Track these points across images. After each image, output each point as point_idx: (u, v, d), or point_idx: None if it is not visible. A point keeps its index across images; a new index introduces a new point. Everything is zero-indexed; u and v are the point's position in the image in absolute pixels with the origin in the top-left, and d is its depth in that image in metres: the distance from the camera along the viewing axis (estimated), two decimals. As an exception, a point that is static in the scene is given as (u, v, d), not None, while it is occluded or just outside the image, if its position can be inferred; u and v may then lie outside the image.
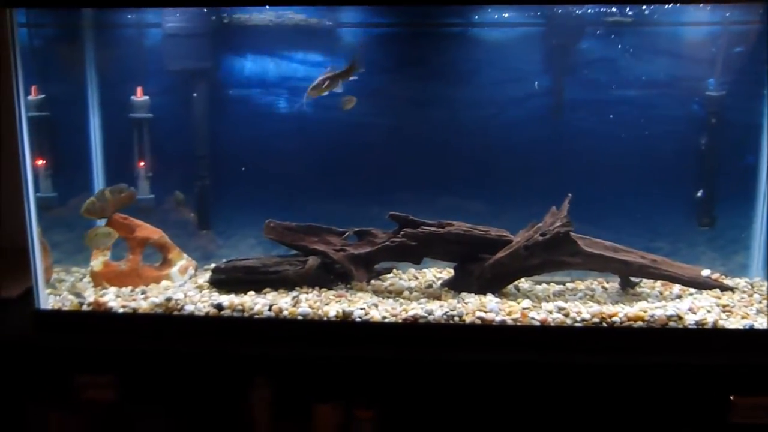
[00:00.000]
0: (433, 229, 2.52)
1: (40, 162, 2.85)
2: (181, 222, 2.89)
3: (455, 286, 2.59)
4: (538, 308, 2.37)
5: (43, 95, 2.79)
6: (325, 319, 2.35)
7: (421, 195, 2.81)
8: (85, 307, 2.50)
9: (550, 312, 2.33)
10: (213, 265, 2.72)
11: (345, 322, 2.33)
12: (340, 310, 2.36)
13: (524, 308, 2.35)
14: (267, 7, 2.59)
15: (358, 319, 2.33)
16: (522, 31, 2.78)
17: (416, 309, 2.35)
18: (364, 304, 2.41)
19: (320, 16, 2.71)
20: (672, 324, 2.26)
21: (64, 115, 2.89)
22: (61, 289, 2.68)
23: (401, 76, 2.85)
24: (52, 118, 2.81)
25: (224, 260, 2.64)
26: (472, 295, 2.48)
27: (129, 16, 2.81)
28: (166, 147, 2.89)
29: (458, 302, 2.42)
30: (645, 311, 2.30)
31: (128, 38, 2.91)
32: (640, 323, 2.27)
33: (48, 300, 2.53)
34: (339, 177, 2.87)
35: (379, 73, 2.88)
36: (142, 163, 2.89)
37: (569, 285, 2.71)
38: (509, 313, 2.32)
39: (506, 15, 2.69)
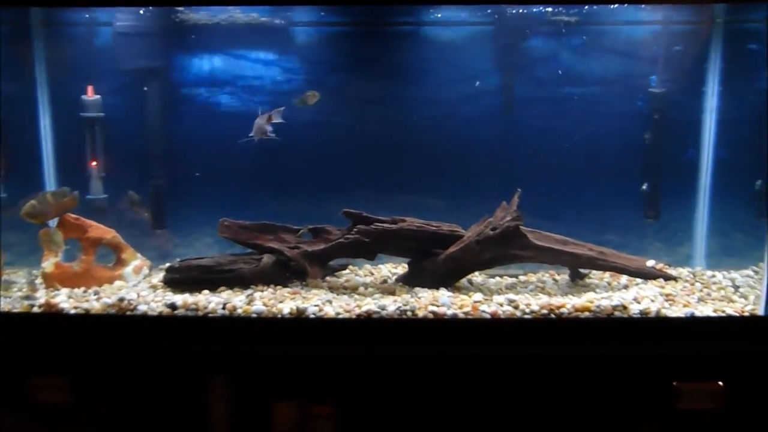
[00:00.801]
0: (386, 225, 2.56)
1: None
2: (135, 222, 2.88)
3: (410, 281, 2.63)
4: (489, 301, 2.42)
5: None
6: (279, 316, 2.36)
7: (377, 192, 2.85)
8: (36, 309, 2.47)
9: (501, 305, 2.38)
10: (168, 265, 2.72)
11: (299, 319, 2.35)
12: (294, 308, 2.37)
13: (475, 301, 2.40)
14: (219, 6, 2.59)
15: (312, 316, 2.36)
16: (473, 30, 2.83)
17: (370, 304, 2.38)
18: (318, 301, 2.43)
19: (272, 15, 2.72)
20: (617, 314, 2.33)
21: (15, 114, 2.85)
22: (12, 291, 2.65)
23: (355, 75, 2.89)
24: (2, 117, 2.77)
25: (178, 259, 2.63)
26: (426, 289, 2.52)
27: (80, 15, 2.78)
28: (119, 146, 2.87)
29: (411, 297, 2.46)
30: (592, 302, 2.37)
31: (79, 36, 2.90)
32: (587, 314, 2.34)
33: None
34: (294, 175, 2.89)
35: (334, 72, 2.91)
36: (94, 163, 2.86)
37: (521, 278, 2.78)
38: (461, 307, 2.37)
39: (461, 15, 2.73)
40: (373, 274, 2.84)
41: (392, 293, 2.55)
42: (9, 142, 2.85)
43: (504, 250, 2.52)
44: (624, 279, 2.67)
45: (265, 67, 2.84)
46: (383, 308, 2.36)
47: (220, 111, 2.90)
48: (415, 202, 2.84)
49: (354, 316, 2.35)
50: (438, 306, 2.37)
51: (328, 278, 2.70)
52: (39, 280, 2.73)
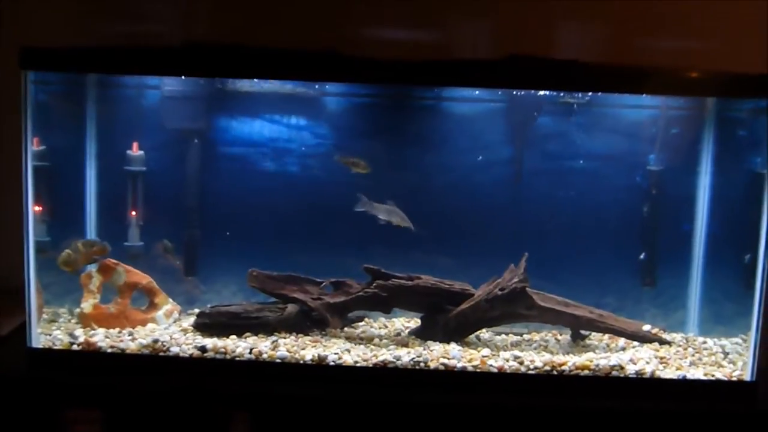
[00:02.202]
0: (402, 281, 2.78)
1: (37, 208, 3.04)
2: (167, 268, 3.09)
3: (422, 334, 2.83)
4: (496, 356, 2.61)
5: (44, 147, 3.00)
6: (302, 362, 2.55)
7: (394, 250, 3.05)
8: (75, 347, 2.66)
9: (507, 360, 2.57)
10: (197, 310, 2.91)
11: (320, 365, 2.54)
12: (316, 355, 2.57)
13: (483, 356, 2.58)
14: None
15: (332, 363, 2.55)
16: (488, 106, 3.10)
17: (386, 355, 2.58)
18: (337, 350, 2.62)
19: (304, 86, 3.00)
20: (615, 373, 2.52)
21: (63, 165, 3.09)
22: (51, 328, 2.83)
23: (378, 142, 3.14)
24: (51, 167, 3.01)
25: (209, 305, 2.84)
26: (437, 343, 2.72)
27: (131, 79, 3.06)
28: (158, 198, 3.11)
29: (424, 349, 2.65)
30: (591, 361, 2.55)
31: (128, 97, 3.16)
32: (586, 372, 2.52)
33: (39, 339, 2.68)
34: (319, 231, 3.12)
35: (359, 138, 3.18)
36: (134, 213, 3.10)
37: (526, 336, 2.97)
38: (470, 360, 2.56)
39: (476, 93, 3.01)
40: (386, 326, 3.04)
41: (405, 345, 2.74)
42: (56, 190, 3.07)
43: (511, 309, 2.72)
44: (622, 341, 2.85)
45: (297, 132, 3.10)
46: (398, 358, 2.55)
47: (252, 169, 3.15)
48: (429, 260, 3.04)
49: (371, 365, 2.54)
50: (449, 359, 2.56)
51: (345, 329, 2.89)
52: (76, 320, 2.92)
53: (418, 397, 2.42)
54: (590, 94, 2.86)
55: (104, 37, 3.08)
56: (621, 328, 2.80)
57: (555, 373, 2.52)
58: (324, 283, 2.90)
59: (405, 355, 2.57)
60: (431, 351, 2.63)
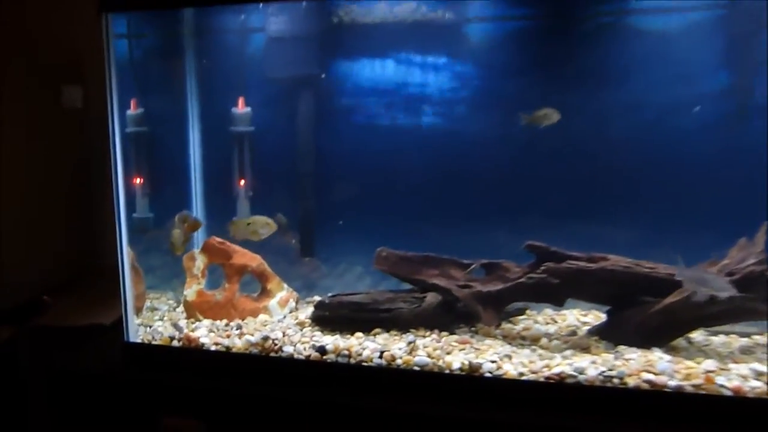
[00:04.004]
0: (582, 264, 2.04)
1: (137, 181, 2.65)
2: (282, 248, 2.57)
3: (607, 335, 2.09)
4: (725, 371, 1.82)
5: (142, 109, 2.59)
6: (448, 372, 1.92)
7: (560, 221, 2.32)
8: (175, 342, 2.22)
9: (745, 378, 1.77)
10: (316, 298, 2.38)
11: (472, 377, 1.90)
12: (466, 362, 1.92)
13: (708, 371, 1.80)
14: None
15: (488, 374, 1.89)
16: (691, 18, 2.25)
17: (563, 365, 1.87)
18: (494, 355, 1.97)
19: (443, 9, 2.32)
20: None
21: (163, 131, 2.68)
22: (153, 319, 2.43)
23: (534, 79, 2.40)
24: (149, 134, 2.60)
25: (329, 294, 2.27)
26: (633, 349, 1.96)
27: (230, 21, 2.54)
28: (267, 164, 2.59)
29: (616, 358, 1.91)
30: None
31: (229, 45, 2.65)
32: None
33: (138, 331, 2.28)
34: (463, 198, 2.45)
35: (509, 77, 2.45)
36: (242, 182, 2.60)
37: (756, 337, 2.12)
38: (687, 377, 1.79)
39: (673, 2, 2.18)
40: (556, 321, 2.32)
41: (586, 350, 2.02)
42: (157, 160, 2.66)
43: (743, 304, 1.90)
44: None
45: (434, 73, 2.43)
46: (580, 371, 1.84)
47: (380, 123, 2.53)
48: (608, 234, 2.29)
49: (542, 379, 1.85)
50: (655, 373, 1.81)
51: (502, 325, 2.22)
52: (180, 308, 2.50)
53: (611, 428, 1.71)
54: None
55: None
56: None
57: (826, 400, 1.69)
58: (472, 266, 2.22)
59: (590, 367, 1.85)
60: (627, 361, 1.88)
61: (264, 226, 2.36)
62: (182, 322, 2.36)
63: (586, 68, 2.33)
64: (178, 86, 2.62)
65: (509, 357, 1.97)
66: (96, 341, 2.41)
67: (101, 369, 2.20)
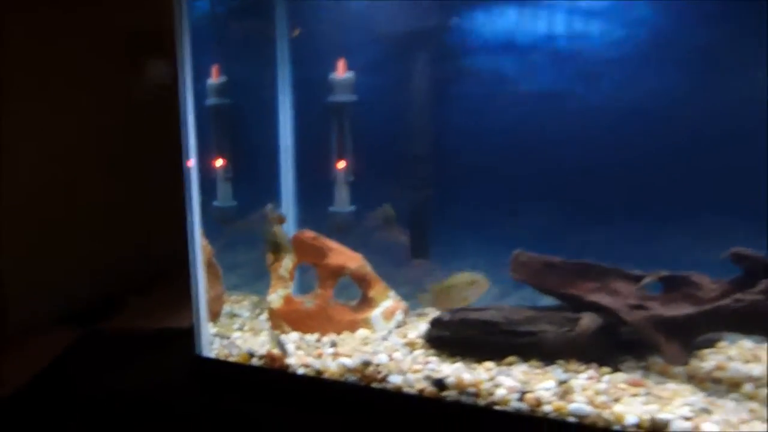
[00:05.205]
0: (823, 282, 1.41)
1: (218, 163, 2.26)
2: (389, 246, 2.07)
3: None
4: None
5: (225, 78, 2.19)
6: (619, 428, 1.36)
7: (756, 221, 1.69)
8: (255, 361, 1.79)
9: None
10: (434, 316, 1.87)
11: (658, 441, 1.33)
12: (646, 417, 1.35)
13: None
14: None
15: (680, 439, 1.32)
16: None
17: (799, 434, 1.28)
18: (685, 407, 1.39)
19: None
20: None
21: (252, 105, 2.26)
22: (231, 328, 2.01)
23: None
24: (233, 106, 2.20)
25: (449, 309, 1.76)
26: None
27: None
28: (371, 142, 2.10)
29: None
30: None
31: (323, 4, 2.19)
32: None
33: (213, 343, 1.87)
34: (624, 189, 1.85)
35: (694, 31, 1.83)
36: (341, 164, 2.13)
37: None
38: None
39: None
40: (759, 358, 1.69)
41: (822, 406, 1.40)
42: (241, 138, 2.26)
43: None
44: None
45: (606, 22, 1.85)
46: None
47: (514, 93, 1.98)
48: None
49: (767, 451, 1.26)
50: None
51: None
52: (264, 316, 2.07)
53: None
54: None
55: None
56: None
57: None
58: (647, 279, 1.64)
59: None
60: None
61: (470, 285, 1.86)
62: (264, 335, 1.92)
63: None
64: (267, 49, 2.19)
65: (707, 412, 1.38)
66: (164, 350, 2.02)
67: (156, 389, 1.83)
